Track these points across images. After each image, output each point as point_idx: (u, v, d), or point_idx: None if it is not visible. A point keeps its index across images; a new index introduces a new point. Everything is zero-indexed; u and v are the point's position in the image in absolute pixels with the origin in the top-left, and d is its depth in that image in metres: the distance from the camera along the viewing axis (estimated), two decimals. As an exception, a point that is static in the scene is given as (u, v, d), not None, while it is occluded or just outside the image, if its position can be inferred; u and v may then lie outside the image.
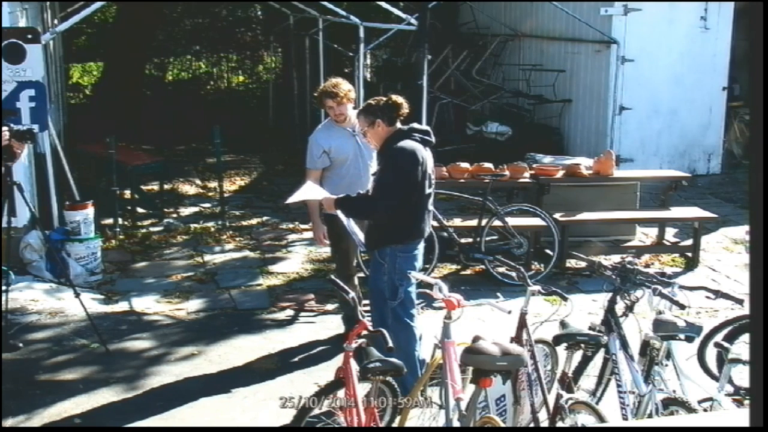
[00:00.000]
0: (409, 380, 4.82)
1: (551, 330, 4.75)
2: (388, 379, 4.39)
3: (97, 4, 8.55)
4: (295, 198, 5.60)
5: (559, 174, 8.69)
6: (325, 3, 11.08)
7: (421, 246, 5.43)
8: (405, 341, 5.22)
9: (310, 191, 5.65)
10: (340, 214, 5.39)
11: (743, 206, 10.55)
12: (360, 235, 5.50)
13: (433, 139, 5.36)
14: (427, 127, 5.45)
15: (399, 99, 5.29)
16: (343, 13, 10.99)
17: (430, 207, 5.42)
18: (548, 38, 13.60)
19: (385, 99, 5.30)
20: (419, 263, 5.42)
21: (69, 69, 19.40)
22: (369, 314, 5.50)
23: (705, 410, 4.36)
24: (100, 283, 7.73)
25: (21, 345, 6.24)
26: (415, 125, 5.39)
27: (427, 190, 5.27)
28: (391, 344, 4.15)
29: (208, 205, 10.85)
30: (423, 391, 4.68)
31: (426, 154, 5.25)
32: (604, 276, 4.88)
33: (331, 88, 6.09)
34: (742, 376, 4.87)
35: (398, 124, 5.28)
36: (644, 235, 9.28)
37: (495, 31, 14.83)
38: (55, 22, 11.73)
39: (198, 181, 12.24)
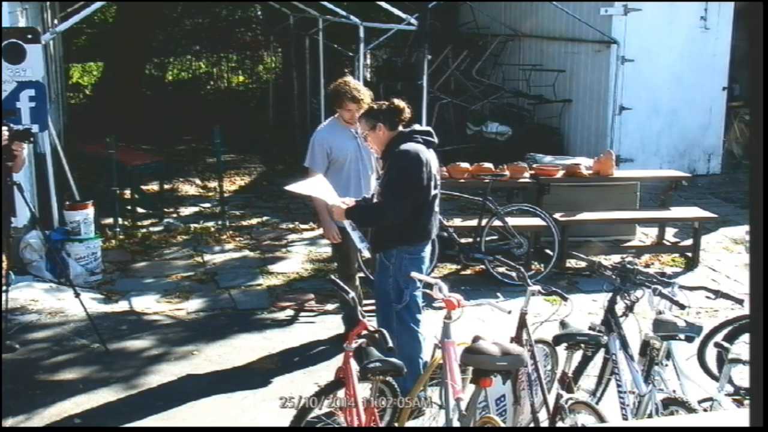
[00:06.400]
0: (410, 384, 4.80)
1: (551, 330, 4.75)
2: (388, 379, 4.39)
3: (97, 4, 8.54)
4: (298, 188, 5.46)
5: (559, 174, 8.69)
6: (325, 3, 11.07)
7: (428, 248, 5.39)
8: (409, 346, 5.18)
9: (316, 187, 5.53)
10: (346, 222, 5.34)
11: (743, 206, 10.56)
12: (360, 239, 5.42)
13: (435, 139, 5.33)
14: (429, 128, 5.42)
15: (401, 103, 5.25)
16: (343, 13, 10.99)
17: (437, 208, 5.37)
18: (548, 38, 13.60)
19: (387, 103, 5.27)
20: (426, 265, 5.37)
21: (69, 69, 19.39)
22: (372, 315, 5.49)
23: (705, 410, 4.36)
24: (100, 283, 7.73)
25: (18, 346, 6.23)
26: (417, 127, 5.36)
27: (433, 192, 5.24)
28: (391, 344, 4.15)
29: (208, 205, 10.85)
30: (423, 391, 4.68)
31: (430, 156, 5.21)
32: (604, 276, 4.88)
33: (355, 93, 5.99)
34: (742, 376, 4.87)
35: (400, 128, 5.25)
36: (644, 235, 9.28)
37: (495, 31, 14.83)
38: (55, 22, 11.73)
39: (198, 181, 12.24)
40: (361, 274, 7.01)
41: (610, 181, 8.82)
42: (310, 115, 14.03)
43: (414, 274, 4.90)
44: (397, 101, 5.27)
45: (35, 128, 7.30)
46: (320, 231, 9.41)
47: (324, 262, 8.47)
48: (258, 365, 6.11)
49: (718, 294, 4.82)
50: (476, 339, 4.16)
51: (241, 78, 22.15)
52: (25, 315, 6.84)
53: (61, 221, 8.04)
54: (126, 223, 9.57)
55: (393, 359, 4.18)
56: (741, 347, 4.78)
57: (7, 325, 6.44)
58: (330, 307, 7.20)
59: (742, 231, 9.10)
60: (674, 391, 4.51)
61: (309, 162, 6.15)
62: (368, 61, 17.52)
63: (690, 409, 4.20)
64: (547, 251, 8.23)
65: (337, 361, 4.60)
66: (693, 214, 8.91)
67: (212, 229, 9.57)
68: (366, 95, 6.04)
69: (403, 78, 14.25)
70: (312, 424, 4.50)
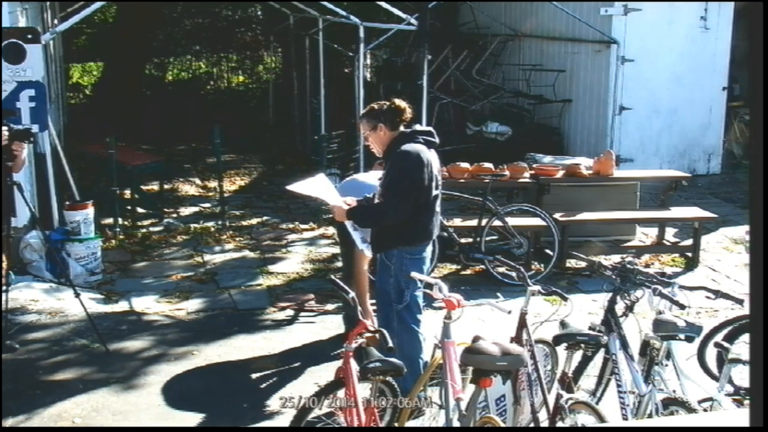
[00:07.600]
0: (410, 384, 4.80)
1: (551, 330, 4.75)
2: (388, 379, 4.39)
3: (97, 4, 8.54)
4: (299, 188, 5.40)
5: (559, 174, 8.69)
6: (325, 3, 11.07)
7: (429, 249, 5.39)
8: (409, 346, 5.18)
9: (317, 186, 5.44)
10: (348, 222, 5.32)
11: (743, 206, 10.56)
12: (362, 240, 5.40)
13: (436, 139, 5.32)
14: (430, 128, 5.41)
15: (402, 103, 5.25)
16: (343, 13, 10.98)
17: (438, 209, 5.36)
18: (548, 38, 13.60)
19: (387, 103, 5.27)
20: (427, 266, 5.37)
21: (69, 69, 19.39)
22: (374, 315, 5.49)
23: (705, 410, 4.36)
24: (100, 283, 7.72)
25: (18, 346, 6.23)
26: (418, 127, 5.35)
27: (434, 192, 5.23)
28: (391, 344, 4.15)
29: (208, 205, 10.85)
30: (423, 391, 4.68)
31: (431, 156, 5.21)
32: (604, 276, 4.88)
33: None
34: (742, 376, 4.87)
35: (401, 128, 5.25)
36: (644, 235, 9.28)
37: (495, 31, 14.83)
38: (55, 22, 11.73)
39: (198, 181, 12.24)
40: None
41: (610, 181, 8.82)
42: (310, 115, 14.02)
43: (414, 274, 4.89)
44: (398, 101, 5.26)
45: (35, 128, 7.30)
46: (320, 231, 9.44)
47: (324, 262, 8.47)
48: (258, 365, 6.11)
49: (718, 294, 4.82)
50: (476, 339, 4.16)
51: (241, 78, 22.14)
52: (25, 315, 6.84)
53: (61, 221, 8.04)
54: (126, 223, 9.57)
55: (393, 359, 4.17)
56: (741, 347, 4.78)
57: (7, 325, 6.44)
58: (330, 307, 7.20)
59: (742, 231, 9.10)
60: (674, 391, 4.50)
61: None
62: (368, 61, 17.52)
63: (690, 409, 4.20)
64: (547, 251, 8.23)
65: (337, 361, 4.60)
66: (693, 214, 8.90)
67: (212, 229, 9.57)
68: None
69: (403, 78, 14.25)
70: (312, 424, 4.49)
